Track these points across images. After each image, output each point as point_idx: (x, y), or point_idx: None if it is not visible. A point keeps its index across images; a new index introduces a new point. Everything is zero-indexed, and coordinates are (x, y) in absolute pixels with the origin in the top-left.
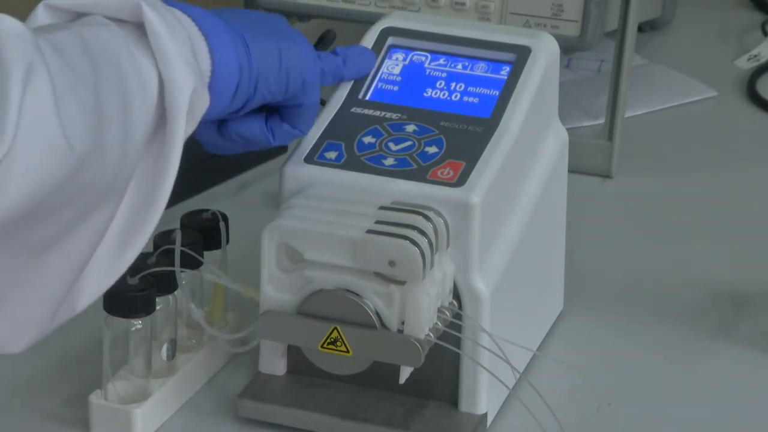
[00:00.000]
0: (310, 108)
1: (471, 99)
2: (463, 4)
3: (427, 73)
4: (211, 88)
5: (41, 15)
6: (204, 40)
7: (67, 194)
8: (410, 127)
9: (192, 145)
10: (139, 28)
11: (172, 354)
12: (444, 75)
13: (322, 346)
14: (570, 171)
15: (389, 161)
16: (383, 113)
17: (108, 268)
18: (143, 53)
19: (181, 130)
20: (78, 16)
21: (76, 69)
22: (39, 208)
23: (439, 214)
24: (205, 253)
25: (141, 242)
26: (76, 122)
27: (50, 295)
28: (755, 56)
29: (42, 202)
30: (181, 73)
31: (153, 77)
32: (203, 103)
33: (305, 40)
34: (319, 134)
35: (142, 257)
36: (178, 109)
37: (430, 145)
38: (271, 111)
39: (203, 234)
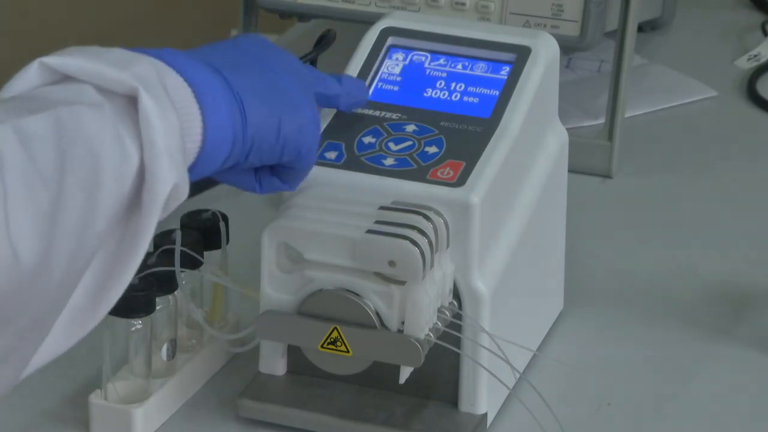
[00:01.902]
0: (303, 171)
1: (471, 99)
2: (463, 4)
3: (427, 73)
4: (199, 159)
5: (34, 72)
6: (200, 115)
7: (17, 305)
8: (410, 127)
9: None
10: (130, 102)
11: (172, 354)
12: (444, 75)
13: (322, 346)
14: (570, 171)
15: (389, 161)
16: (383, 113)
17: (62, 339)
18: (131, 136)
19: (155, 221)
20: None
21: (39, 164)
22: None
23: (439, 214)
24: (205, 253)
25: (96, 319)
26: (25, 232)
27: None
28: (755, 56)
29: None
30: (166, 169)
31: (135, 162)
32: (181, 196)
33: (310, 103)
34: (319, 134)
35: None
36: (155, 203)
37: (430, 145)
38: None
39: (203, 234)
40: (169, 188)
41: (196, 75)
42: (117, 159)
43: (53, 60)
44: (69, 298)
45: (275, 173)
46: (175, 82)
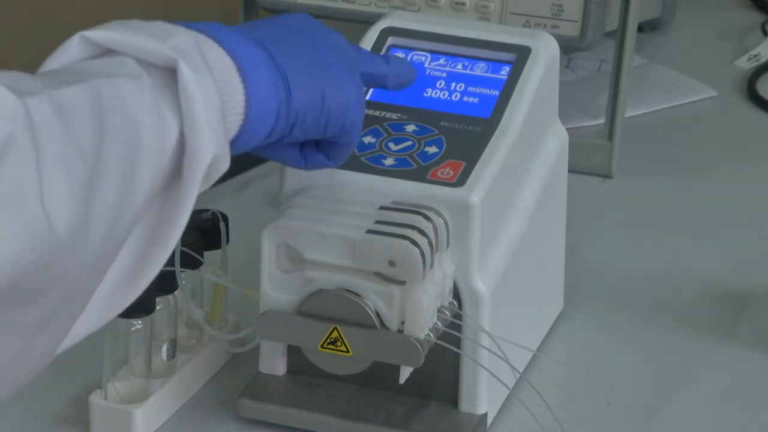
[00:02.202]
0: (348, 146)
1: (471, 99)
2: (463, 4)
3: (427, 73)
4: (242, 132)
5: (75, 46)
6: (243, 88)
7: (51, 276)
8: (410, 127)
9: None
10: (170, 74)
11: (172, 354)
12: (444, 75)
13: (322, 346)
14: (570, 171)
15: (389, 161)
16: (383, 113)
17: (99, 313)
18: (169, 107)
19: (195, 193)
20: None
21: (76, 134)
22: (22, 290)
23: (439, 214)
24: (205, 253)
25: (134, 294)
26: (61, 202)
27: (36, 362)
28: (755, 56)
29: (22, 284)
30: (205, 140)
31: (174, 134)
32: (222, 167)
33: (354, 80)
34: None
35: None
36: (194, 174)
37: (430, 145)
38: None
39: (203, 234)
40: (209, 160)
41: (239, 48)
42: (156, 130)
43: (94, 34)
44: (106, 272)
45: (320, 149)
46: (217, 54)
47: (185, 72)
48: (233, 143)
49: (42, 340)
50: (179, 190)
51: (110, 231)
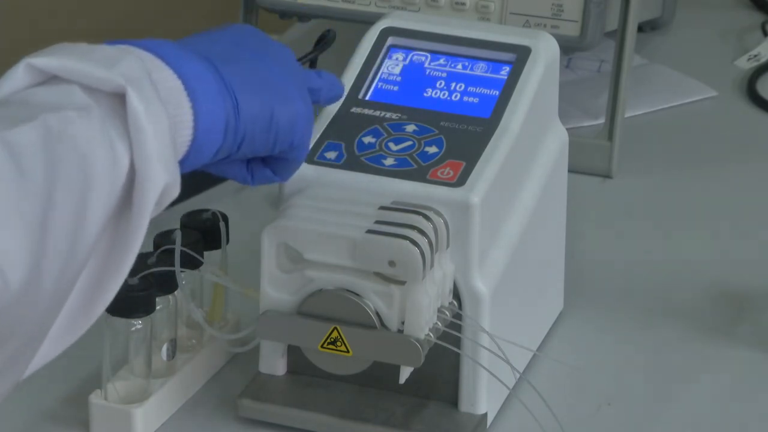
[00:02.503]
0: (296, 161)
1: (471, 99)
2: (463, 4)
3: (427, 73)
4: (191, 150)
5: (22, 74)
6: (190, 108)
7: (8, 325)
8: (410, 127)
9: None
10: (119, 100)
11: (172, 354)
12: (444, 75)
13: (322, 346)
14: (570, 171)
15: (389, 161)
16: (383, 113)
17: (55, 343)
18: (120, 138)
19: (146, 221)
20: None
21: (27, 175)
22: None
23: (439, 214)
24: (205, 253)
25: (89, 321)
26: (15, 253)
27: None
28: (755, 56)
29: None
30: (156, 170)
31: (125, 165)
32: (173, 193)
33: (302, 95)
34: (319, 134)
35: (142, 257)
36: (146, 204)
37: (430, 145)
38: None
39: (203, 234)
40: (159, 190)
41: (186, 67)
42: (107, 164)
43: (39, 61)
44: (62, 308)
45: (267, 164)
46: (164, 74)
47: (135, 102)
48: (182, 162)
49: (4, 380)
50: (130, 218)
51: (63, 272)
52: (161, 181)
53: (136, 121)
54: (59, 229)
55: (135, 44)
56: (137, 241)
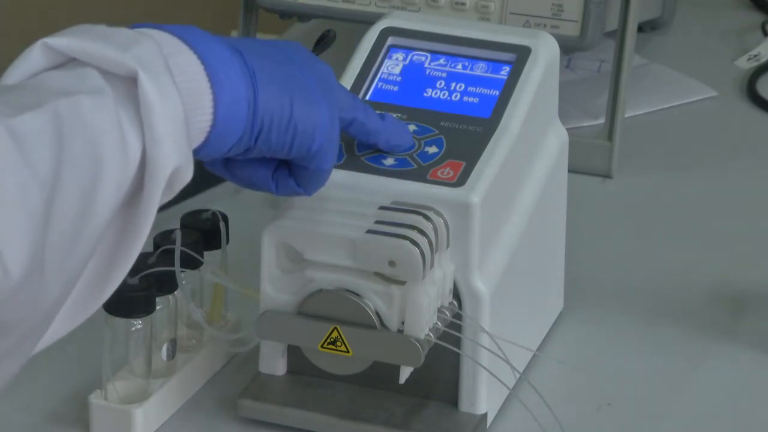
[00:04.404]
0: (317, 174)
1: (471, 99)
2: (463, 4)
3: (427, 73)
4: (211, 136)
5: (38, 55)
6: (211, 92)
7: (12, 313)
8: (410, 127)
9: None
10: (134, 84)
11: (172, 354)
12: (444, 75)
13: (322, 346)
14: (570, 171)
15: (389, 161)
16: (383, 113)
17: (61, 324)
18: (132, 122)
19: (156, 206)
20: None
21: (32, 163)
22: None
23: (439, 214)
24: (205, 253)
25: (96, 305)
26: (16, 243)
27: None
28: (755, 56)
29: None
30: (167, 153)
31: (136, 149)
32: (185, 178)
33: (330, 107)
34: None
35: (142, 257)
36: (155, 188)
37: (430, 145)
38: (283, 161)
39: (203, 234)
40: (169, 173)
41: (210, 52)
42: (118, 149)
43: (56, 41)
44: (68, 296)
45: (292, 175)
46: (184, 58)
47: (146, 85)
48: (201, 148)
49: (5, 367)
50: (140, 203)
51: (68, 261)
52: (172, 163)
53: (147, 104)
54: (65, 219)
55: (161, 28)
56: (147, 225)
